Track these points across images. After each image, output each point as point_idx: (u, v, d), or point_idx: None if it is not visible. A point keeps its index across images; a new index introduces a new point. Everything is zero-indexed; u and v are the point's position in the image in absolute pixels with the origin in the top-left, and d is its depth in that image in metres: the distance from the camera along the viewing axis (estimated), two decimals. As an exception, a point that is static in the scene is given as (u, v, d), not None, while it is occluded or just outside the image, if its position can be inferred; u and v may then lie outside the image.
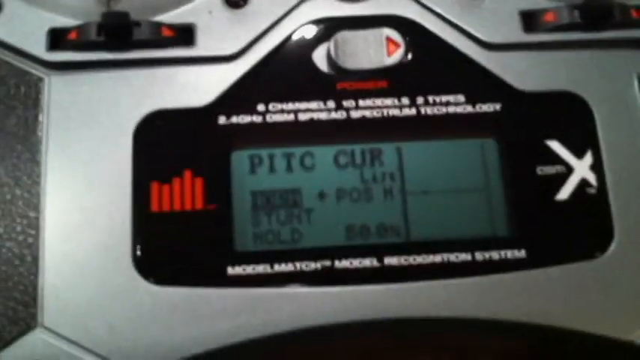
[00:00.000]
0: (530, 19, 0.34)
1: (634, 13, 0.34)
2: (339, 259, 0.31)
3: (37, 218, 0.31)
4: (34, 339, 0.29)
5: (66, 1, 0.34)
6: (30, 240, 0.31)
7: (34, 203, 0.31)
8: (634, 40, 0.34)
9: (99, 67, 0.33)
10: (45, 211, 0.31)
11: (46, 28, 0.33)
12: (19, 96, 0.33)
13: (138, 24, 0.33)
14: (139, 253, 0.31)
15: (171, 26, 0.33)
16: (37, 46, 0.33)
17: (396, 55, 0.34)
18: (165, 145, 0.32)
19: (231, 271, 0.31)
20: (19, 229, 0.31)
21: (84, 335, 0.30)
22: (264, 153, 0.33)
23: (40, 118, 0.32)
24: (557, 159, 0.33)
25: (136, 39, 0.33)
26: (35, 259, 0.30)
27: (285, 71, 0.34)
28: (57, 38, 0.33)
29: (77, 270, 0.30)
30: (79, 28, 0.33)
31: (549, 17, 0.34)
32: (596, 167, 0.33)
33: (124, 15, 0.32)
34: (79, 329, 0.30)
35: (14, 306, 0.30)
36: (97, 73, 0.33)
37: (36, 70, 0.33)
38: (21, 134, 0.32)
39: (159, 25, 0.33)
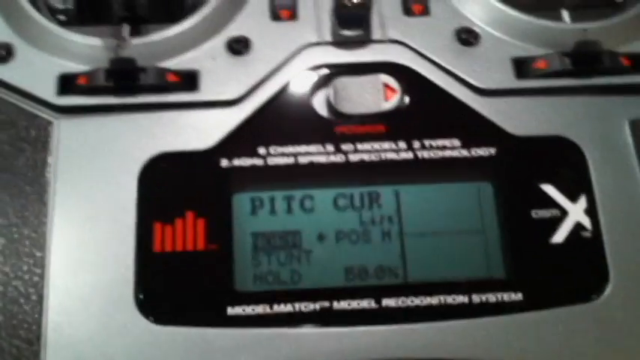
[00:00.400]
0: (522, 66, 0.35)
1: (623, 60, 0.35)
2: (338, 300, 0.32)
3: (42, 257, 0.32)
4: (37, 378, 0.30)
5: (75, 48, 0.35)
6: (35, 279, 0.31)
7: (40, 243, 0.32)
8: (624, 86, 0.35)
9: (106, 111, 0.34)
10: (51, 251, 0.32)
11: (56, 74, 0.35)
12: (29, 139, 0.34)
13: (144, 70, 0.34)
14: (141, 292, 0.31)
15: (176, 72, 0.35)
16: (47, 91, 0.34)
17: (393, 101, 0.35)
18: (169, 186, 0.33)
19: (231, 311, 0.31)
20: (25, 268, 0.31)
21: (85, 374, 0.30)
22: (264, 195, 0.33)
23: (49, 160, 0.33)
24: (551, 203, 0.33)
25: (142, 84, 0.34)
26: (40, 298, 0.31)
27: (285, 115, 0.35)
28: (66, 83, 0.34)
29: (80, 308, 0.31)
30: (88, 74, 0.34)
31: (541, 64, 0.35)
32: (591, 211, 0.33)
33: (131, 61, 0.34)
34: (81, 367, 0.30)
35: (18, 344, 0.30)
36: (105, 117, 0.34)
37: (46, 114, 0.34)
38: (29, 175, 0.33)
39: (164, 71, 0.34)
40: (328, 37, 0.36)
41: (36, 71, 0.35)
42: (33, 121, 0.34)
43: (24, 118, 0.34)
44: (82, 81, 0.34)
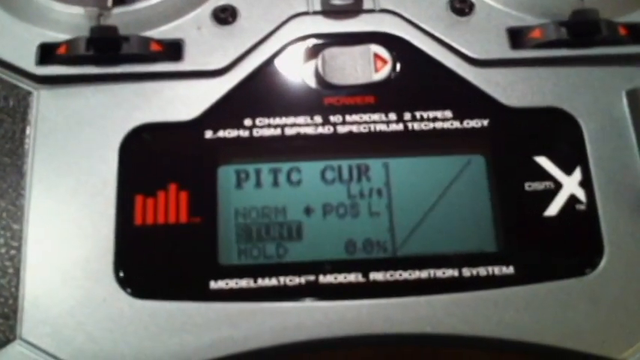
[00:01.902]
0: (517, 36, 0.34)
1: (621, 30, 0.34)
2: (324, 274, 0.31)
3: (20, 230, 0.31)
4: (13, 351, 0.29)
5: (56, 16, 0.34)
6: (12, 252, 0.30)
7: (18, 216, 0.31)
8: (621, 57, 0.34)
9: (87, 81, 0.33)
10: (29, 224, 0.31)
11: (36, 43, 0.34)
12: (7, 109, 0.33)
13: (126, 39, 0.33)
14: (120, 266, 0.30)
15: (159, 41, 0.34)
16: (27, 61, 0.33)
17: (384, 71, 0.34)
18: (151, 158, 0.32)
19: (213, 285, 0.30)
20: (2, 241, 0.31)
21: (63, 347, 0.29)
22: (250, 168, 0.33)
23: (28, 131, 0.32)
24: (545, 175, 0.32)
25: (124, 53, 0.33)
26: (17, 271, 0.30)
27: (272, 86, 0.34)
28: (46, 53, 0.34)
29: (59, 282, 0.30)
30: (68, 43, 0.33)
31: (536, 34, 0.34)
32: (585, 183, 0.32)
33: (113, 29, 0.33)
34: (59, 341, 0.29)
35: (-7, 317, 0.29)
36: (86, 87, 0.33)
37: (25, 84, 0.33)
38: (7, 147, 0.32)
39: (147, 40, 0.33)
40: (317, 7, 0.35)
41: (16, 40, 0.34)
42: (12, 92, 0.33)
43: (3, 88, 0.33)
44: (62, 50, 0.33)
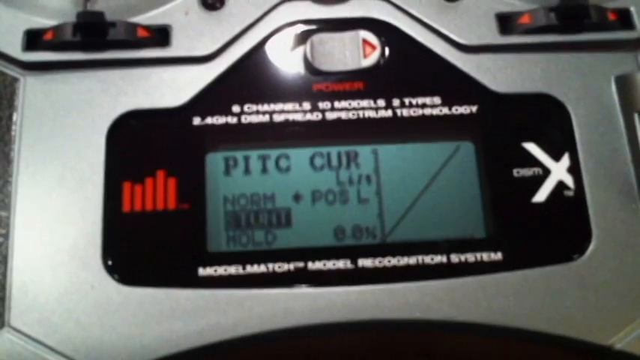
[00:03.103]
0: (506, 22, 0.34)
1: (610, 15, 0.34)
2: (313, 260, 0.31)
3: (7, 217, 0.31)
4: (1, 339, 0.29)
5: (42, 2, 0.34)
6: (0, 239, 0.30)
7: (4, 202, 0.31)
8: (610, 42, 0.34)
9: (74, 67, 0.33)
10: (16, 210, 0.31)
11: (22, 29, 0.33)
12: (-6, 96, 0.32)
13: (113, 24, 0.33)
14: (108, 252, 0.30)
15: (146, 27, 0.33)
16: (13, 47, 0.33)
17: (373, 57, 0.34)
18: (139, 145, 0.32)
19: (202, 271, 0.30)
20: (-12, 228, 0.30)
21: (51, 335, 0.29)
22: (239, 154, 0.32)
23: (14, 117, 0.32)
24: (534, 161, 0.32)
25: (111, 39, 0.33)
26: (5, 258, 0.30)
27: (260, 73, 0.34)
28: (33, 39, 0.33)
29: (46, 269, 0.30)
30: (55, 29, 0.33)
31: (525, 19, 0.34)
32: (574, 169, 0.32)
33: (99, 15, 0.33)
34: (47, 329, 0.29)
35: (-20, 304, 0.29)
36: (72, 73, 0.33)
37: (11, 71, 0.33)
38: (-6, 134, 0.32)
39: (134, 26, 0.33)
40: (306, -8, 0.35)
41: (2, 26, 0.33)
42: (-2, 78, 0.33)
43: (-11, 74, 0.33)
44: (48, 36, 0.33)
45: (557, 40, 0.34)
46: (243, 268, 0.31)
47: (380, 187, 0.32)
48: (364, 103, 0.33)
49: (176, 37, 0.34)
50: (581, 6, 0.34)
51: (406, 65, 0.34)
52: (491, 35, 0.34)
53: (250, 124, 0.33)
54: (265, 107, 0.33)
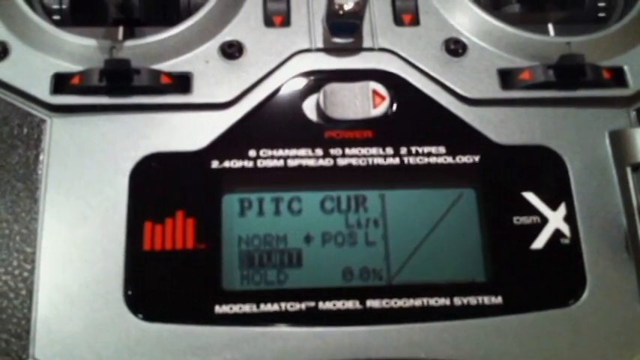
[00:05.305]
0: (507, 77, 0.36)
1: (605, 73, 0.36)
2: (324, 300, 0.32)
3: (33, 253, 0.32)
4: (24, 371, 0.30)
5: (70, 48, 0.35)
6: (25, 274, 0.32)
7: (30, 239, 0.32)
8: (605, 99, 0.36)
9: (99, 110, 0.35)
10: (41, 247, 0.32)
11: (50, 73, 0.35)
12: (22, 136, 0.34)
13: (138, 71, 0.35)
14: (129, 289, 0.32)
15: (169, 74, 0.35)
16: (41, 90, 0.35)
17: (382, 107, 0.36)
18: (160, 186, 0.34)
19: (218, 309, 0.32)
20: (15, 263, 0.32)
21: (73, 368, 0.30)
22: (253, 197, 0.34)
23: (41, 157, 0.34)
24: (532, 210, 0.34)
25: (135, 85, 0.35)
26: (30, 293, 0.31)
27: (276, 119, 0.36)
28: (60, 82, 0.35)
29: (69, 304, 0.31)
30: (82, 74, 0.35)
31: (525, 75, 0.36)
32: (570, 218, 0.34)
33: (126, 62, 0.34)
34: (69, 362, 0.31)
35: (7, 338, 0.30)
36: (98, 116, 0.35)
37: (39, 112, 0.35)
38: (22, 172, 0.33)
39: (158, 73, 0.35)
40: (320, 44, 0.37)
41: (31, 70, 0.35)
42: (26, 119, 0.34)
43: (17, 115, 0.34)
44: (75, 80, 0.35)
45: (555, 96, 0.36)
46: (257, 307, 0.32)
47: (386, 231, 0.34)
48: (373, 150, 0.35)
49: (197, 84, 0.35)
50: (578, 64, 0.36)
51: (413, 115, 0.36)
52: (493, 89, 0.36)
53: (265, 168, 0.35)
54: (280, 152, 0.35)
